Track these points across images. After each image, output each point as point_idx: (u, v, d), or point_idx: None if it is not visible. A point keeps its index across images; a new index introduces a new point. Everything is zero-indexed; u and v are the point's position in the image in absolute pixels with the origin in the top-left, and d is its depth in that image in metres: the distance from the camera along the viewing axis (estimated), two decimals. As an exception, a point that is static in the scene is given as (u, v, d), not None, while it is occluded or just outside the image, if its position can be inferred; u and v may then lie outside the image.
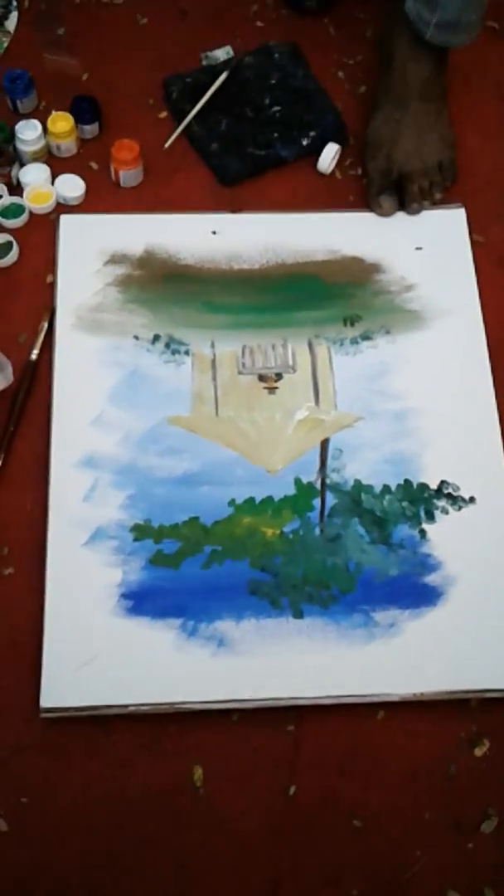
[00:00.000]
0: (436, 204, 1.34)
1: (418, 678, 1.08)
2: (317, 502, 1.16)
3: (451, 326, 1.27)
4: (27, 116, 1.36)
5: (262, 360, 1.24)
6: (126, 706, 1.06)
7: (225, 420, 1.21)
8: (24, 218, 1.32)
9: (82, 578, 1.11)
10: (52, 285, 1.27)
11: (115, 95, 1.40)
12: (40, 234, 1.32)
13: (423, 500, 1.17)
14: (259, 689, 1.07)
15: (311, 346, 1.25)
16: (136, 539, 1.13)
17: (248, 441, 1.20)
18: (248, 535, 1.14)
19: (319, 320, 1.27)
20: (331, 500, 1.17)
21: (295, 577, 1.12)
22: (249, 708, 1.07)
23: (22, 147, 1.34)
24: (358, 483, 1.17)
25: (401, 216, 1.34)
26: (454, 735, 1.08)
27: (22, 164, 1.35)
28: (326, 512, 1.16)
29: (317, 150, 1.36)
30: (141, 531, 1.14)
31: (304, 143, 1.36)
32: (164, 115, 1.40)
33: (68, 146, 1.36)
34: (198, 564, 1.13)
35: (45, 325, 1.25)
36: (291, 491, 1.17)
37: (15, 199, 1.32)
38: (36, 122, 1.34)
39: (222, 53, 1.43)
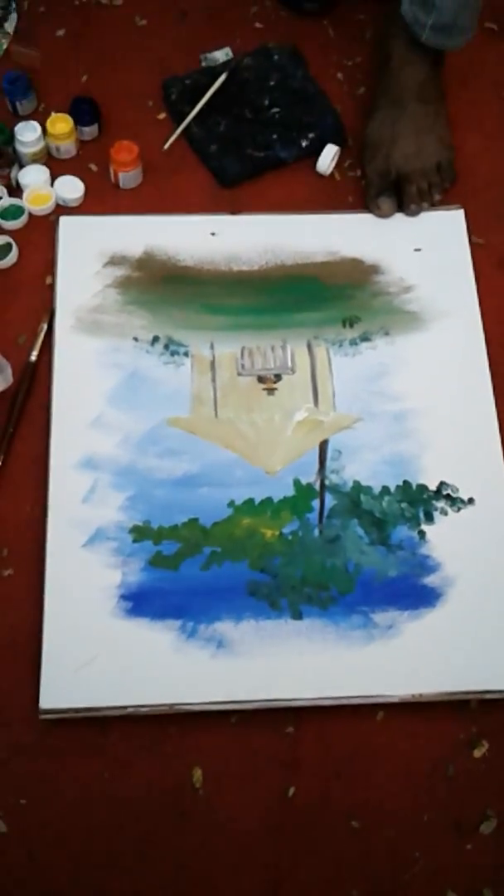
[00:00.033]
0: (435, 205, 1.34)
1: (417, 679, 1.08)
2: (316, 503, 1.17)
3: (450, 328, 1.27)
4: (27, 118, 1.36)
5: (262, 362, 1.25)
6: (125, 707, 1.06)
7: (224, 421, 1.21)
8: (23, 219, 1.32)
9: (82, 580, 1.11)
10: (52, 287, 1.27)
11: (115, 97, 1.40)
12: (40, 235, 1.32)
13: (422, 502, 1.17)
14: (258, 690, 1.07)
15: (310, 347, 1.25)
16: (135, 540, 1.14)
17: (248, 442, 1.20)
18: (247, 537, 1.14)
19: (318, 321, 1.27)
20: (330, 501, 1.17)
21: (294, 578, 1.12)
22: (249, 709, 1.07)
23: (21, 149, 1.34)
24: (357, 484, 1.17)
25: (400, 217, 1.34)
26: (453, 736, 1.08)
27: (21, 166, 1.35)
28: (325, 513, 1.16)
29: (316, 152, 1.36)
30: (140, 532, 1.14)
31: (304, 144, 1.37)
32: (163, 116, 1.41)
33: (68, 148, 1.36)
34: (197, 566, 1.13)
35: (45, 326, 1.25)
36: (291, 492, 1.17)
37: (14, 201, 1.32)
38: (35, 124, 1.34)
39: (221, 55, 1.43)
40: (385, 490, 1.17)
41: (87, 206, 1.34)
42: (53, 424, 1.19)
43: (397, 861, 1.03)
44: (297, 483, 1.17)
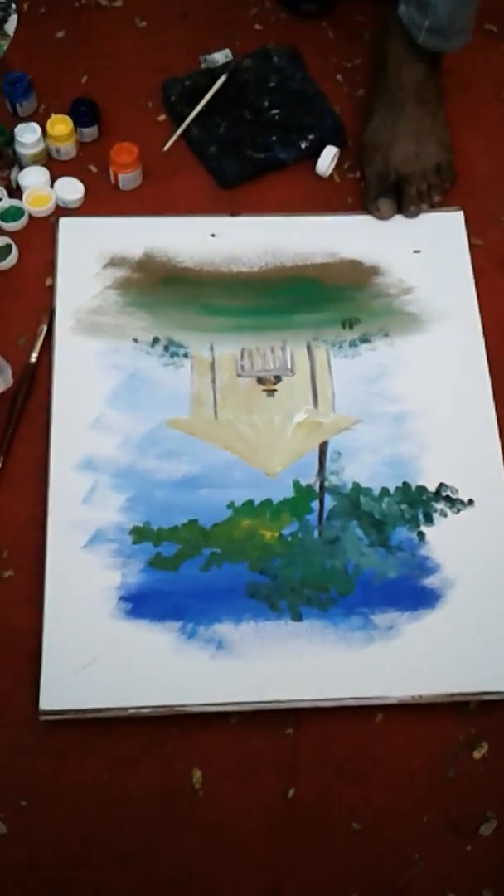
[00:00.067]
0: (434, 207, 1.34)
1: (417, 681, 1.08)
2: (315, 505, 1.17)
3: (449, 329, 1.27)
4: (26, 120, 1.36)
5: (261, 363, 1.25)
6: (125, 708, 1.06)
7: (224, 423, 1.21)
8: (23, 221, 1.32)
9: (82, 581, 1.11)
10: (52, 288, 1.28)
11: (115, 98, 1.40)
12: (39, 236, 1.32)
13: (421, 503, 1.17)
14: (258, 691, 1.07)
15: (309, 348, 1.26)
16: (135, 541, 1.14)
17: (247, 444, 1.20)
18: (246, 538, 1.14)
19: (318, 323, 1.27)
20: (329, 502, 1.17)
21: (294, 579, 1.12)
22: (248, 710, 1.07)
23: (21, 150, 1.34)
24: (356, 485, 1.18)
25: (399, 219, 1.34)
26: (453, 737, 1.08)
27: (21, 168, 1.35)
28: (325, 514, 1.16)
29: (315, 153, 1.36)
30: (140, 534, 1.14)
31: (303, 145, 1.37)
32: (162, 118, 1.41)
33: (67, 149, 1.36)
34: (197, 567, 1.13)
35: (45, 327, 1.25)
36: (290, 493, 1.17)
37: (14, 202, 1.32)
38: (35, 126, 1.34)
39: (221, 56, 1.43)
40: (385, 491, 1.17)
41: (87, 207, 1.34)
42: (53, 426, 1.19)
43: (397, 862, 1.03)
44: (296, 484, 1.18)
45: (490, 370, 1.24)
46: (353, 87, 1.44)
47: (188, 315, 1.27)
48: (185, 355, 1.24)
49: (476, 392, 1.23)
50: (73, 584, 1.11)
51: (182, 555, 1.13)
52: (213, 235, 1.32)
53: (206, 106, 1.36)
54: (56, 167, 1.35)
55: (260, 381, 1.24)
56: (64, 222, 1.32)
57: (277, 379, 1.24)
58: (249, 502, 1.16)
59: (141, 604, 1.11)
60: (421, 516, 1.16)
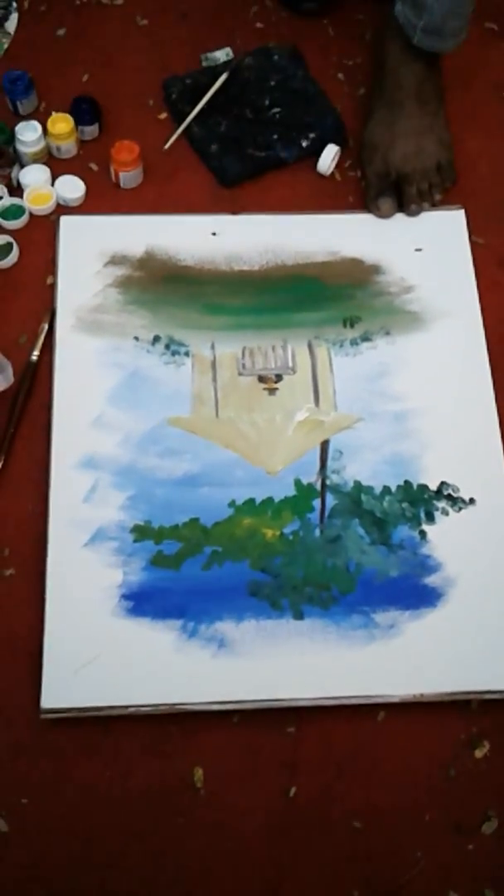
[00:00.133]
0: (435, 205, 1.34)
1: (418, 679, 1.08)
2: (317, 503, 1.17)
3: (450, 328, 1.27)
4: (27, 118, 1.36)
5: (262, 362, 1.25)
6: (126, 707, 1.06)
7: (225, 421, 1.21)
8: (24, 219, 1.32)
9: (83, 579, 1.11)
10: (53, 286, 1.27)
11: (115, 97, 1.40)
12: (40, 235, 1.32)
13: (423, 502, 1.17)
14: (259, 690, 1.07)
15: (310, 347, 1.25)
16: (136, 540, 1.14)
17: (248, 442, 1.20)
18: (248, 537, 1.14)
19: (319, 321, 1.27)
20: (331, 501, 1.17)
21: (295, 578, 1.12)
22: (250, 709, 1.07)
23: (22, 148, 1.34)
24: (358, 484, 1.17)
25: (400, 218, 1.34)
26: (454, 736, 1.08)
27: (22, 166, 1.35)
28: (326, 513, 1.16)
29: (316, 152, 1.36)
30: (141, 532, 1.14)
31: (304, 144, 1.37)
32: (163, 116, 1.40)
33: (68, 147, 1.36)
34: (198, 565, 1.13)
35: (46, 326, 1.25)
36: (291, 492, 1.17)
37: (15, 201, 1.32)
38: (36, 124, 1.34)
39: (222, 55, 1.43)
40: (386, 490, 1.17)
41: (88, 205, 1.34)
42: (54, 424, 1.19)
43: (398, 861, 1.03)
44: (297, 483, 1.17)
45: (491, 369, 1.24)
46: (353, 85, 1.44)
47: (189, 313, 1.27)
48: (186, 354, 1.24)
49: (477, 390, 1.23)
50: (74, 582, 1.11)
51: (183, 553, 1.13)
52: (214, 234, 1.32)
53: (207, 104, 1.36)
54: (57, 165, 1.35)
55: (261, 379, 1.24)
56: (65, 221, 1.32)
57: (278, 377, 1.24)
58: (251, 501, 1.16)
59: (142, 602, 1.11)
60: (422, 515, 1.16)
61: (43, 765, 1.05)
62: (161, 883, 1.02)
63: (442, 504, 1.16)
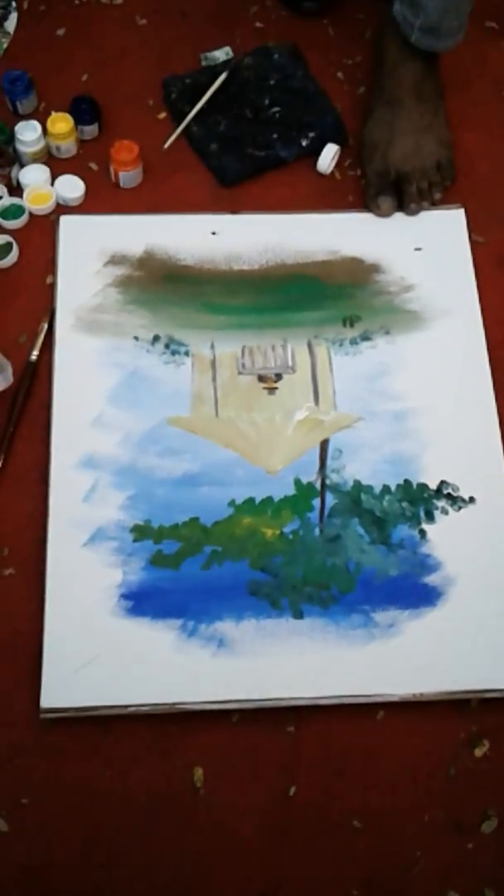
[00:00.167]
0: (435, 204, 1.34)
1: (418, 678, 1.08)
2: (316, 503, 1.17)
3: (450, 327, 1.27)
4: (27, 117, 1.36)
5: (262, 361, 1.25)
6: (126, 707, 1.06)
7: (225, 421, 1.21)
8: (23, 219, 1.32)
9: (82, 579, 1.11)
10: (52, 286, 1.27)
11: (115, 96, 1.40)
12: (40, 235, 1.32)
13: (422, 501, 1.17)
14: (259, 689, 1.07)
15: (310, 346, 1.25)
16: (136, 540, 1.14)
17: (248, 441, 1.20)
18: (247, 536, 1.14)
19: (319, 321, 1.27)
20: (330, 500, 1.17)
21: (295, 577, 1.12)
22: (249, 708, 1.07)
23: (22, 148, 1.34)
24: (358, 483, 1.17)
25: (400, 217, 1.34)
26: (454, 735, 1.08)
27: (22, 165, 1.35)
28: (326, 512, 1.16)
29: (316, 151, 1.36)
30: (141, 532, 1.14)
31: (304, 143, 1.37)
32: (163, 115, 1.40)
33: (68, 147, 1.36)
34: (198, 565, 1.13)
35: (45, 325, 1.25)
36: (291, 491, 1.17)
37: (15, 200, 1.32)
38: (36, 124, 1.34)
39: (222, 54, 1.43)
40: (386, 489, 1.17)
41: (88, 205, 1.34)
42: (54, 424, 1.19)
43: (398, 860, 1.03)
44: (297, 482, 1.17)
45: (491, 367, 1.24)
46: (353, 84, 1.44)
47: (189, 313, 1.27)
48: (186, 353, 1.24)
49: (477, 390, 1.23)
50: (73, 582, 1.11)
51: (183, 553, 1.13)
52: (213, 233, 1.32)
53: (206, 104, 1.36)
54: (56, 165, 1.35)
55: (261, 378, 1.24)
56: (64, 220, 1.32)
57: (278, 377, 1.24)
58: (250, 500, 1.16)
59: (142, 602, 1.11)
60: (422, 514, 1.16)
61: (43, 765, 1.05)
62: (161, 882, 1.02)
63: (442, 503, 1.16)
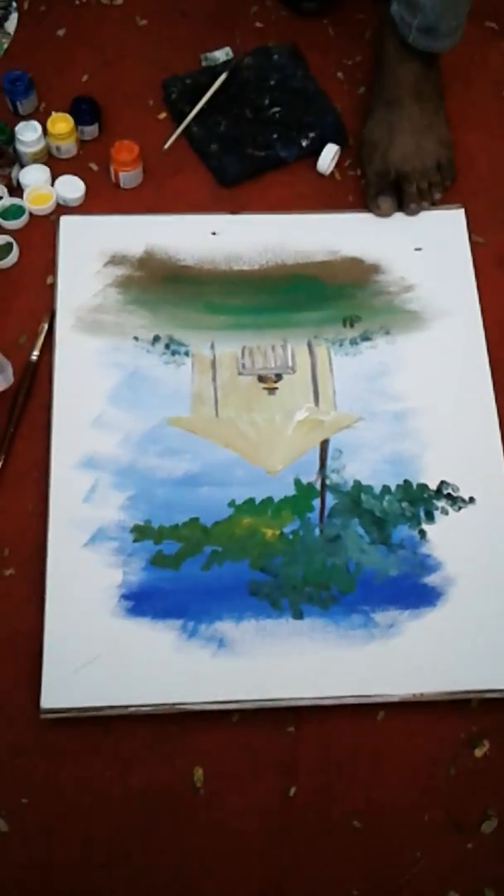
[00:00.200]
0: (435, 204, 1.34)
1: (418, 679, 1.08)
2: (316, 503, 1.17)
3: (450, 327, 1.27)
4: (27, 118, 1.36)
5: (262, 361, 1.25)
6: (126, 707, 1.06)
7: (225, 421, 1.21)
8: (24, 219, 1.32)
9: (83, 579, 1.11)
10: (53, 286, 1.27)
11: (115, 97, 1.40)
12: (40, 235, 1.32)
13: (422, 501, 1.17)
14: (259, 689, 1.07)
15: (310, 346, 1.25)
16: (136, 540, 1.14)
17: (248, 442, 1.20)
18: (248, 536, 1.14)
19: (319, 321, 1.27)
20: (330, 500, 1.17)
21: (295, 577, 1.12)
22: (250, 708, 1.07)
23: (22, 148, 1.34)
24: (358, 483, 1.17)
25: (400, 217, 1.34)
26: (454, 735, 1.08)
27: (22, 166, 1.35)
28: (326, 512, 1.16)
29: (316, 151, 1.36)
30: (141, 532, 1.14)
31: (304, 143, 1.37)
32: (163, 116, 1.40)
33: (68, 147, 1.36)
34: (198, 565, 1.13)
35: (45, 326, 1.25)
36: (291, 491, 1.17)
37: (15, 201, 1.32)
38: (36, 124, 1.34)
39: (222, 54, 1.43)
40: (386, 489, 1.17)
41: (88, 205, 1.34)
42: (54, 424, 1.19)
43: (398, 860, 1.03)
44: (297, 482, 1.17)
45: (491, 368, 1.24)
46: (353, 84, 1.44)
47: (189, 313, 1.27)
48: (186, 353, 1.24)
49: (477, 390, 1.23)
50: (74, 582, 1.11)
51: (183, 553, 1.13)
52: (213, 233, 1.32)
53: (206, 104, 1.36)
54: (57, 165, 1.35)
55: (261, 379, 1.24)
56: (65, 220, 1.32)
57: (278, 377, 1.24)
58: (250, 500, 1.16)
59: (142, 602, 1.11)
60: (422, 514, 1.16)
61: (43, 765, 1.06)
62: (161, 882, 1.02)
63: (442, 503, 1.16)
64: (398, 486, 1.17)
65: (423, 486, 1.17)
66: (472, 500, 1.17)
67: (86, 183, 1.34)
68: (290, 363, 1.24)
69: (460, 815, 1.05)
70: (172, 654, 1.08)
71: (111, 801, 1.04)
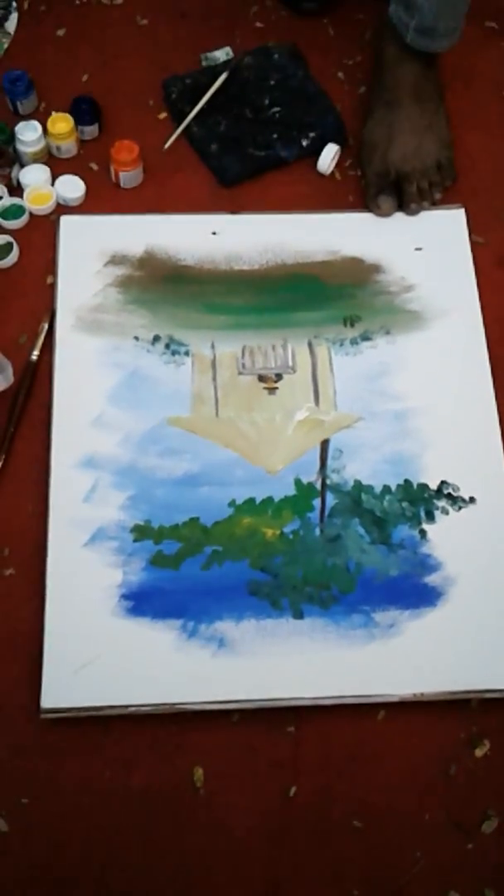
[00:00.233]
0: (435, 204, 1.34)
1: (418, 678, 1.08)
2: (317, 503, 1.17)
3: (450, 327, 1.27)
4: (27, 118, 1.36)
5: (262, 361, 1.25)
6: (126, 707, 1.06)
7: (225, 421, 1.21)
8: (24, 219, 1.32)
9: (83, 579, 1.11)
10: (53, 286, 1.27)
11: (115, 96, 1.40)
12: (40, 235, 1.32)
13: (423, 501, 1.17)
14: (259, 689, 1.07)
15: (310, 346, 1.25)
16: (136, 540, 1.14)
17: (248, 441, 1.20)
18: (248, 536, 1.14)
19: (319, 321, 1.27)
20: (331, 500, 1.17)
21: (295, 577, 1.12)
22: (250, 708, 1.07)
23: (22, 148, 1.34)
24: (358, 483, 1.17)
25: (400, 217, 1.34)
26: (454, 735, 1.08)
27: (22, 166, 1.35)
28: (326, 512, 1.16)
29: (316, 151, 1.36)
30: (141, 532, 1.14)
31: (304, 143, 1.37)
32: (163, 116, 1.40)
33: (68, 147, 1.36)
34: (198, 565, 1.13)
35: (46, 325, 1.25)
36: (291, 491, 1.17)
37: (15, 201, 1.32)
38: (36, 124, 1.34)
39: (222, 54, 1.43)
40: (386, 489, 1.17)
41: (88, 205, 1.34)
42: (54, 424, 1.19)
43: (398, 861, 1.03)
44: (297, 482, 1.17)
45: (491, 367, 1.24)
46: (354, 84, 1.44)
47: (189, 313, 1.27)
48: (186, 353, 1.24)
49: (477, 389, 1.23)
50: (74, 582, 1.11)
51: (183, 553, 1.13)
52: (214, 233, 1.32)
53: (206, 104, 1.36)
54: (57, 165, 1.35)
55: (261, 378, 1.24)
56: (65, 220, 1.32)
57: (278, 377, 1.24)
58: (251, 500, 1.16)
59: (142, 602, 1.10)
60: (422, 514, 1.16)
61: (43, 765, 1.05)
62: (161, 883, 1.02)
63: (442, 503, 1.16)
64: (398, 485, 1.17)
65: (424, 486, 1.17)
66: (472, 499, 1.17)
67: (86, 183, 1.34)
68: (290, 363, 1.24)
69: (460, 815, 1.05)
70: (172, 654, 1.08)
71: (111, 801, 1.04)
